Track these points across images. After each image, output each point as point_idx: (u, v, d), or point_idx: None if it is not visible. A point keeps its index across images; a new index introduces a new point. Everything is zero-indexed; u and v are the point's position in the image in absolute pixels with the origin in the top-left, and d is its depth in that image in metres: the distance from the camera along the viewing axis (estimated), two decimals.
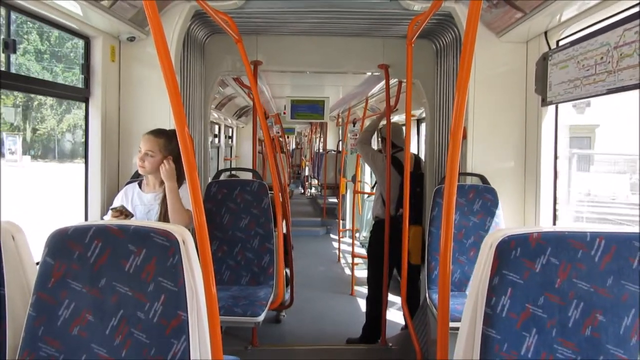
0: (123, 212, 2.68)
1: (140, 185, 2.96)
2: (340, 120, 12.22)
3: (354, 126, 9.89)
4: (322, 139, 15.39)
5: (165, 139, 2.86)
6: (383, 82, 5.08)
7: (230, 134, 9.54)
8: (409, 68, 3.30)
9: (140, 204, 2.89)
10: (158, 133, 2.88)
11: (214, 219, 3.60)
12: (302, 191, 16.76)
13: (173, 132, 2.92)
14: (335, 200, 9.30)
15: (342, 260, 8.12)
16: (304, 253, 8.58)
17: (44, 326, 1.61)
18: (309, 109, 6.36)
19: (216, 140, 8.30)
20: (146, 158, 2.80)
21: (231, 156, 10.09)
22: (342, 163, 9.14)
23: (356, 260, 6.78)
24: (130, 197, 2.91)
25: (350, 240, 7.94)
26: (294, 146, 22.72)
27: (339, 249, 8.32)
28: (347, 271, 6.79)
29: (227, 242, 3.61)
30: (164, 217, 2.81)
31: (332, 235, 10.11)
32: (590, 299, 1.54)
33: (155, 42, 1.54)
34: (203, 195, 3.60)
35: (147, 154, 2.80)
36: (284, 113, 6.49)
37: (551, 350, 1.54)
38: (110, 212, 2.70)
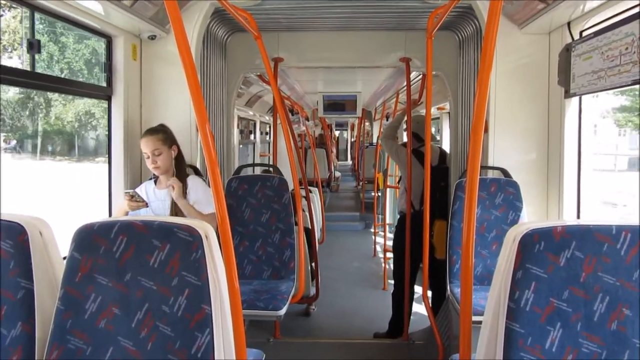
0: (134, 197, 2.78)
1: (155, 183, 3.08)
2: (376, 114, 12.16)
3: (387, 120, 9.82)
4: (368, 133, 15.27)
5: (162, 133, 2.98)
6: (413, 75, 5.04)
7: (267, 130, 9.57)
8: (429, 61, 3.28)
9: (156, 200, 3.01)
10: (153, 131, 2.98)
11: (235, 214, 3.63)
12: (356, 184, 16.15)
13: (160, 125, 3.04)
14: (378, 194, 9.27)
15: (379, 255, 8.07)
16: (341, 248, 8.52)
17: (72, 319, 1.65)
18: (341, 104, 6.32)
19: (252, 136, 8.32)
20: (157, 158, 2.92)
21: (269, 152, 10.13)
22: (377, 157, 9.07)
23: (389, 254, 6.75)
24: (147, 194, 3.03)
25: (390, 235, 7.87)
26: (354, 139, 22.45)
27: (374, 243, 8.27)
28: (383, 266, 6.78)
29: (248, 237, 3.64)
30: (174, 207, 2.92)
31: (371, 230, 10.03)
32: (616, 292, 1.51)
33: (177, 40, 1.56)
34: (224, 191, 3.63)
35: (154, 153, 2.91)
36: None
37: (576, 345, 1.52)
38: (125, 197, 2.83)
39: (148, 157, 2.92)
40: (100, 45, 3.20)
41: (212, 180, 1.63)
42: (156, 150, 2.90)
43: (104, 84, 3.27)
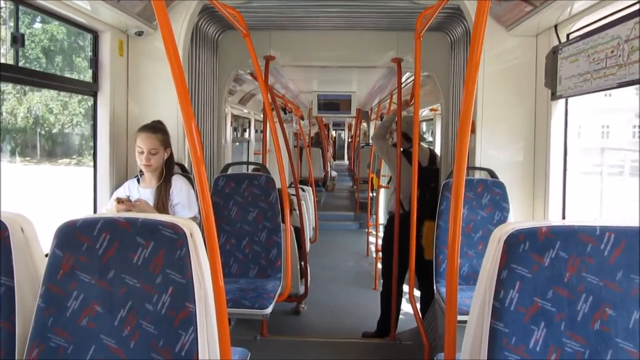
0: (126, 203, 2.73)
1: (139, 182, 3.04)
2: (372, 114, 12.20)
3: (381, 120, 9.85)
4: (365, 133, 15.16)
5: (162, 133, 2.96)
6: (406, 76, 5.03)
7: (262, 129, 9.59)
8: (417, 62, 3.29)
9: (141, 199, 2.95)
10: (155, 130, 2.95)
11: (222, 212, 3.61)
12: (352, 184, 15.87)
13: (159, 122, 3.02)
14: (372, 194, 9.32)
15: (372, 255, 8.09)
16: (335, 247, 8.57)
17: (53, 317, 1.63)
18: (335, 104, 6.33)
19: (246, 134, 8.31)
20: (151, 157, 2.89)
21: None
22: (372, 158, 9.13)
23: (380, 254, 6.77)
24: (131, 193, 2.99)
25: (381, 235, 7.90)
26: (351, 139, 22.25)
27: (367, 243, 8.29)
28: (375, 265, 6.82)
29: (234, 235, 3.62)
30: (156, 205, 2.90)
31: (366, 230, 10.13)
32: (600, 293, 1.53)
33: (163, 37, 1.54)
34: (211, 189, 3.62)
35: (150, 152, 2.88)
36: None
37: (560, 344, 1.53)
38: (114, 201, 2.76)
39: (142, 153, 2.88)
40: (60, 30, 3.01)
41: (197, 178, 1.61)
42: (153, 149, 2.88)
43: (69, 74, 3.20)
